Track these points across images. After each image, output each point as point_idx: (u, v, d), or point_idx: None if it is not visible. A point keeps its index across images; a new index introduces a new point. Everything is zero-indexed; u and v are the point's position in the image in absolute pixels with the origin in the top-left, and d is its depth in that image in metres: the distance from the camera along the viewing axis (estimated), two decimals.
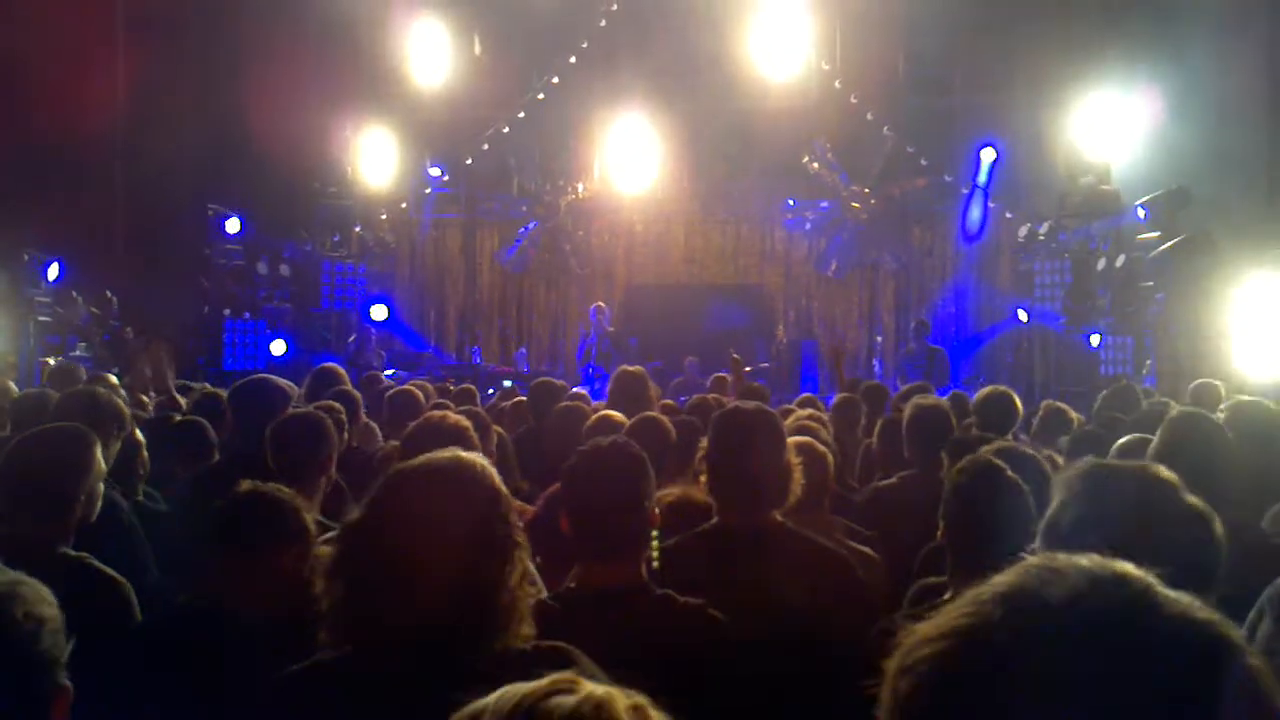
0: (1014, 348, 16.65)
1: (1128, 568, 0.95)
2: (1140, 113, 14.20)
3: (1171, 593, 0.93)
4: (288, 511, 3.04)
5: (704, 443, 3.38)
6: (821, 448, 4.15)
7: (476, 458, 2.16)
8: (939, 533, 3.33)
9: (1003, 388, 6.38)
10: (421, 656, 1.93)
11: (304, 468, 3.99)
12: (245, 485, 3.07)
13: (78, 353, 12.97)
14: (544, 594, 2.78)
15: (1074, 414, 6.92)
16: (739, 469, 3.26)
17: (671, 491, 3.83)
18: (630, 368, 6.42)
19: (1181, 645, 0.90)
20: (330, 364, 7.41)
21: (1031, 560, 0.97)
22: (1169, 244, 12.23)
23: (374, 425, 6.55)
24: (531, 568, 2.14)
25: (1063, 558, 0.96)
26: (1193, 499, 2.19)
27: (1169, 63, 13.43)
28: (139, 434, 4.83)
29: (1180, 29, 13.28)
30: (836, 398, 7.69)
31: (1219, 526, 2.17)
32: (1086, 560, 0.95)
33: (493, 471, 2.14)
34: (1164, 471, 2.26)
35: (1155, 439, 4.21)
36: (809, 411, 6.07)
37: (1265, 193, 12.80)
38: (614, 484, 2.82)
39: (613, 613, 2.68)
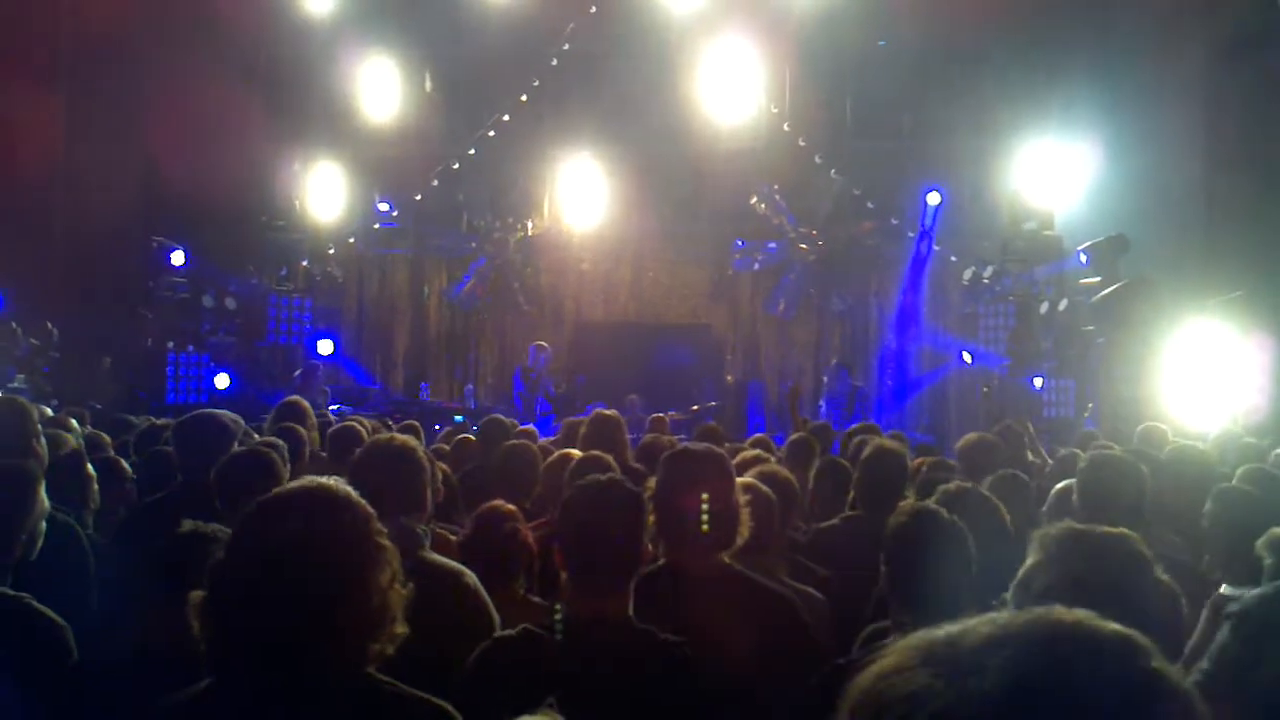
0: (958, 390, 16.81)
1: (1066, 610, 0.98)
2: (1081, 160, 14.46)
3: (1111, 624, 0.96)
4: None
5: (652, 483, 3.38)
6: (765, 488, 4.13)
7: (330, 482, 2.23)
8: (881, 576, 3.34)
9: (988, 435, 6.37)
10: (284, 674, 2.02)
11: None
12: (187, 525, 3.03)
13: (16, 384, 12.73)
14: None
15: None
16: (687, 510, 3.27)
17: None
18: (606, 411, 6.47)
19: (1117, 684, 0.92)
20: (296, 398, 7.48)
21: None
22: (1110, 289, 12.45)
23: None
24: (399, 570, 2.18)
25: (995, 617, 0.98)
26: (1164, 576, 2.26)
27: (1108, 111, 13.73)
28: (90, 468, 4.80)
29: (1119, 79, 13.59)
30: (790, 438, 7.64)
31: (1184, 605, 2.34)
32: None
33: (349, 491, 2.21)
34: (1139, 544, 2.29)
35: (1076, 483, 4.32)
36: (757, 453, 6.06)
37: (1203, 238, 13.05)
38: (610, 521, 2.90)
39: (596, 643, 2.77)
